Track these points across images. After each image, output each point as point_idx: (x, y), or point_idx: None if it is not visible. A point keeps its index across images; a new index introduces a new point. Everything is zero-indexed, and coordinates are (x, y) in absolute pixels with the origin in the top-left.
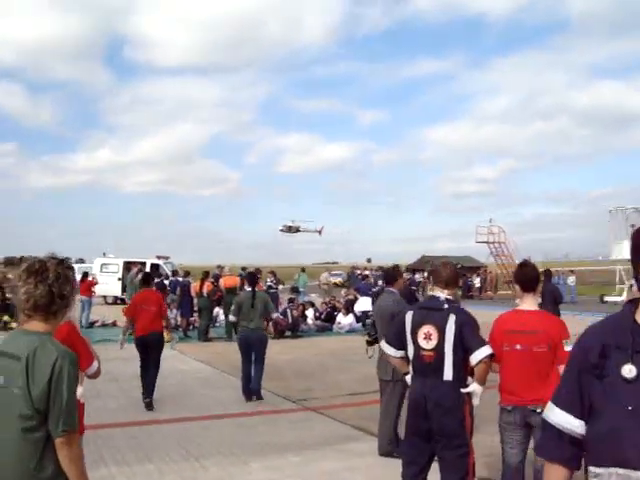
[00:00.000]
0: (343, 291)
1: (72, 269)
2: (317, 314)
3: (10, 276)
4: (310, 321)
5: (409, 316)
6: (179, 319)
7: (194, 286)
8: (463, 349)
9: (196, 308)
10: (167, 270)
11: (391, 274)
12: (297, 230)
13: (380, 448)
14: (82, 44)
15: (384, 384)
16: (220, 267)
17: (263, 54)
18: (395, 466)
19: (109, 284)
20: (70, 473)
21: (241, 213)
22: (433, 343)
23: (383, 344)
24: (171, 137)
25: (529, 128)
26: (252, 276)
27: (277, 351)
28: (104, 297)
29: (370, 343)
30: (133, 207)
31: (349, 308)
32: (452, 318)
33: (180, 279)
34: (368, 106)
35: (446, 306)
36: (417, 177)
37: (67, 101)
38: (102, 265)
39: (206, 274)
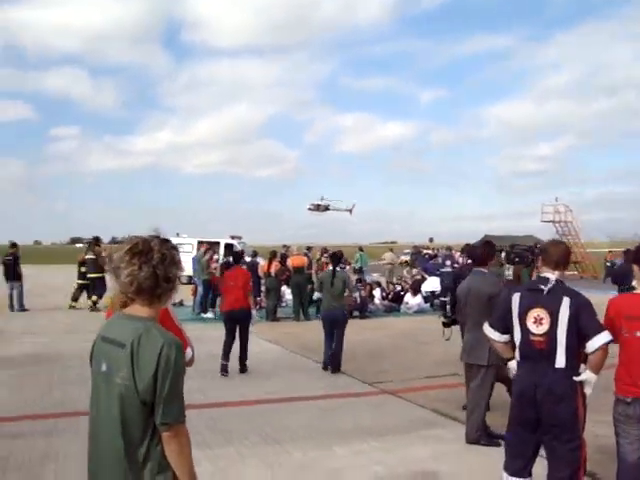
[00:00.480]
0: (405, 270)
1: (176, 249)
2: (384, 294)
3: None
4: (377, 301)
5: (516, 298)
6: None
7: (262, 266)
8: (578, 335)
9: (263, 288)
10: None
11: (481, 254)
12: (326, 208)
13: (468, 436)
14: (141, 29)
15: (475, 369)
16: (286, 247)
17: (319, 34)
18: (485, 455)
19: (183, 264)
20: (178, 468)
21: (298, 192)
22: (544, 328)
23: (486, 327)
24: (229, 118)
25: (592, 104)
26: (335, 256)
27: (347, 332)
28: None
29: (446, 325)
30: (193, 188)
31: (417, 288)
32: (566, 301)
33: (248, 259)
34: (426, 84)
35: (557, 288)
36: (476, 155)
37: (128, 85)
38: (176, 245)
39: (274, 254)
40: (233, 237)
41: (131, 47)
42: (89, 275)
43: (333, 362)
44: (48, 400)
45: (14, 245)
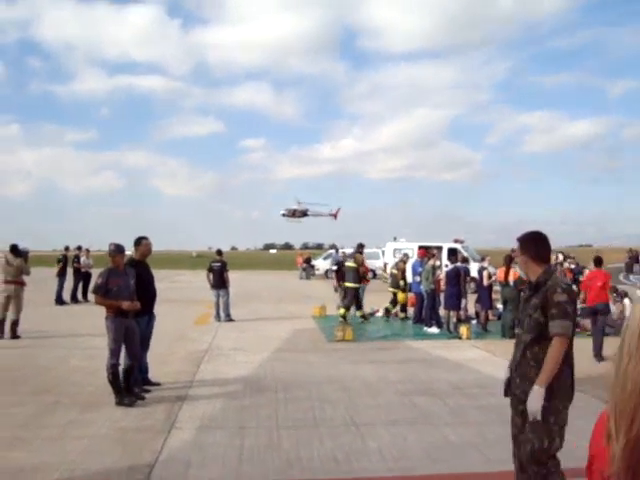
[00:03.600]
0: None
1: None
2: None
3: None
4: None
5: None
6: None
7: (498, 273)
8: None
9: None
10: (465, 254)
11: None
12: (304, 214)
13: None
14: (318, 39)
15: None
16: (515, 250)
17: (496, 32)
18: None
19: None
20: None
21: (483, 195)
22: None
23: None
24: (410, 122)
25: None
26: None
27: None
28: None
29: None
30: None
31: None
32: None
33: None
34: (616, 76)
35: None
36: None
37: (309, 95)
38: (395, 250)
39: (509, 259)
40: (457, 241)
41: (310, 58)
42: (348, 284)
43: None
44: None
45: (220, 252)
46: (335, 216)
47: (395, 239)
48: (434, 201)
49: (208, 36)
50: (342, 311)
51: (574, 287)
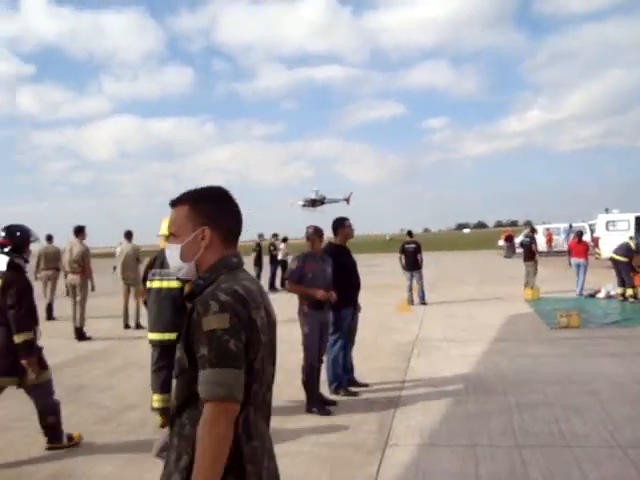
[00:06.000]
0: None
1: None
2: None
3: None
4: None
5: None
6: None
7: None
8: None
9: None
10: None
11: None
12: (322, 203)
13: None
14: (491, 10)
15: None
16: None
17: None
18: None
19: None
20: None
21: None
22: None
23: None
24: (601, 87)
25: None
26: None
27: None
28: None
29: None
30: (569, 166)
31: None
32: None
33: None
34: None
35: None
36: None
37: (488, 68)
38: (607, 223)
39: None
40: None
41: (484, 31)
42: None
43: None
44: None
45: (411, 233)
46: (347, 201)
47: (607, 210)
48: (635, 170)
49: (379, 20)
50: (630, 291)
51: None
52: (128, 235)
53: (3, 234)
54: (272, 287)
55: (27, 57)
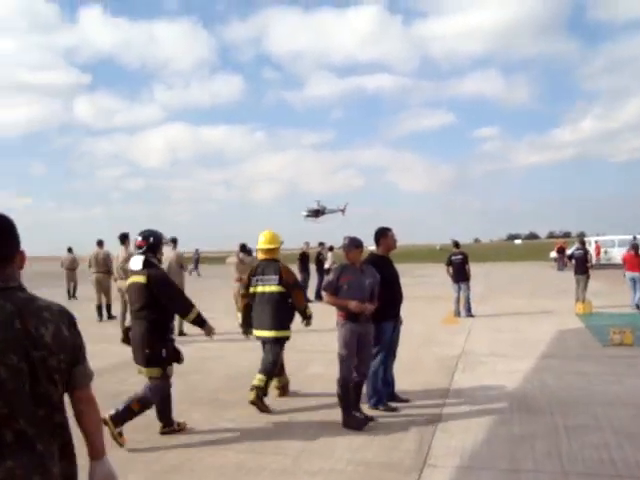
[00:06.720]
0: None
1: None
2: None
3: None
4: None
5: None
6: None
7: None
8: None
9: None
10: None
11: None
12: (322, 213)
13: None
14: (544, 17)
15: None
16: None
17: None
18: None
19: None
20: None
21: None
22: None
23: None
24: None
25: None
26: None
27: None
28: None
29: None
30: (629, 175)
31: None
32: None
33: None
34: None
35: None
36: None
37: (540, 77)
38: None
39: None
40: None
41: (536, 39)
42: None
43: None
44: None
45: (457, 244)
46: (343, 212)
47: None
48: None
49: (429, 29)
50: None
51: None
52: (173, 242)
53: (140, 237)
54: (318, 296)
55: (84, 67)
